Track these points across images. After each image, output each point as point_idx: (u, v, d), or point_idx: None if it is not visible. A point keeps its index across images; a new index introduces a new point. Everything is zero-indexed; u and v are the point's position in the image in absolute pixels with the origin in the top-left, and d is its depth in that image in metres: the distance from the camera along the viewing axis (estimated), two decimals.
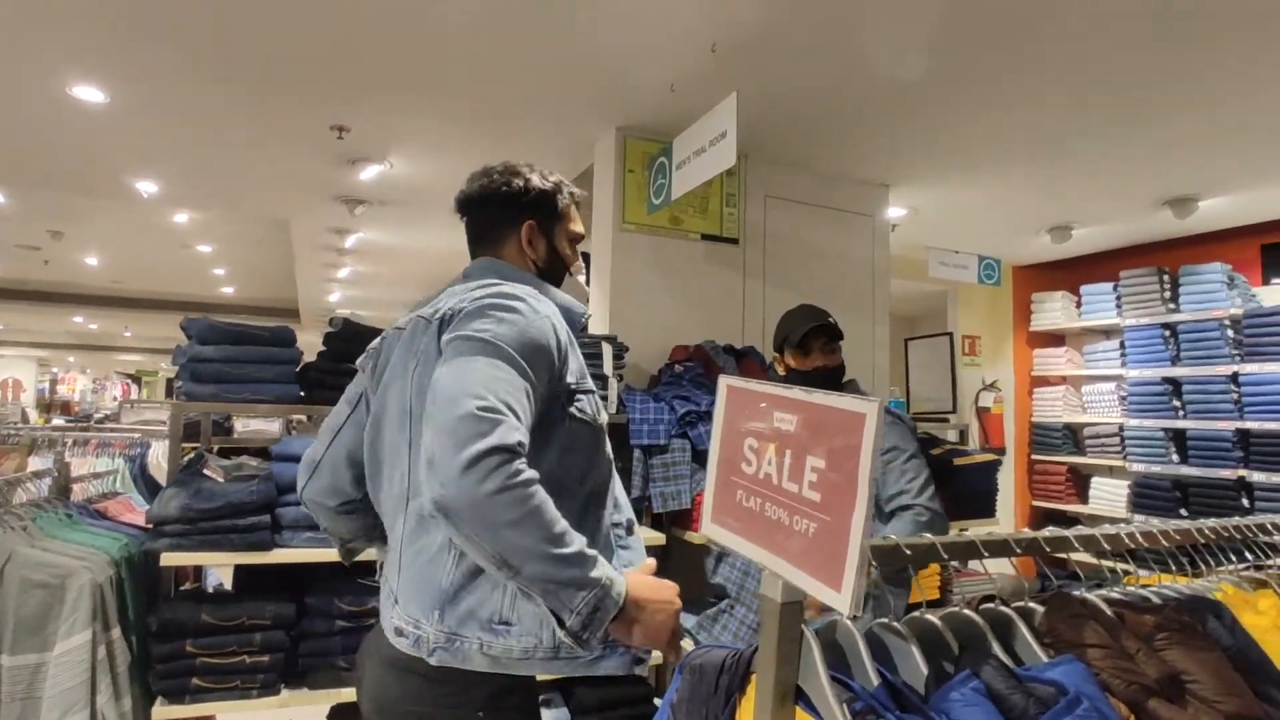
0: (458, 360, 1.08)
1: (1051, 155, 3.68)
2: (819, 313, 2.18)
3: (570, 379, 1.22)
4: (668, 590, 1.14)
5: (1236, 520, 1.16)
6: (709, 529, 0.93)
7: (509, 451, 0.98)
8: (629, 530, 1.33)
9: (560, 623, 1.02)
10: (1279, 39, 2.52)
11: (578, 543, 1.02)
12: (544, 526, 0.99)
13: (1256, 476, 4.36)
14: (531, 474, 1.00)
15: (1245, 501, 4.44)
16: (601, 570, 1.03)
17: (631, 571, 1.16)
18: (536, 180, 1.38)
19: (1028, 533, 0.96)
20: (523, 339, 1.12)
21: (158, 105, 3.31)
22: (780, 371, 2.23)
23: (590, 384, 1.28)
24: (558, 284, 1.41)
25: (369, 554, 1.44)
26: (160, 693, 2.10)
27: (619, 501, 1.33)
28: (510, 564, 0.99)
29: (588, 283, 1.51)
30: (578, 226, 1.44)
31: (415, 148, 3.80)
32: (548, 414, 1.18)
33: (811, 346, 2.12)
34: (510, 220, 1.37)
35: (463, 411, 0.99)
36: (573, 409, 1.22)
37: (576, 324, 1.33)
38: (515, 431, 1.01)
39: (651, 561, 1.25)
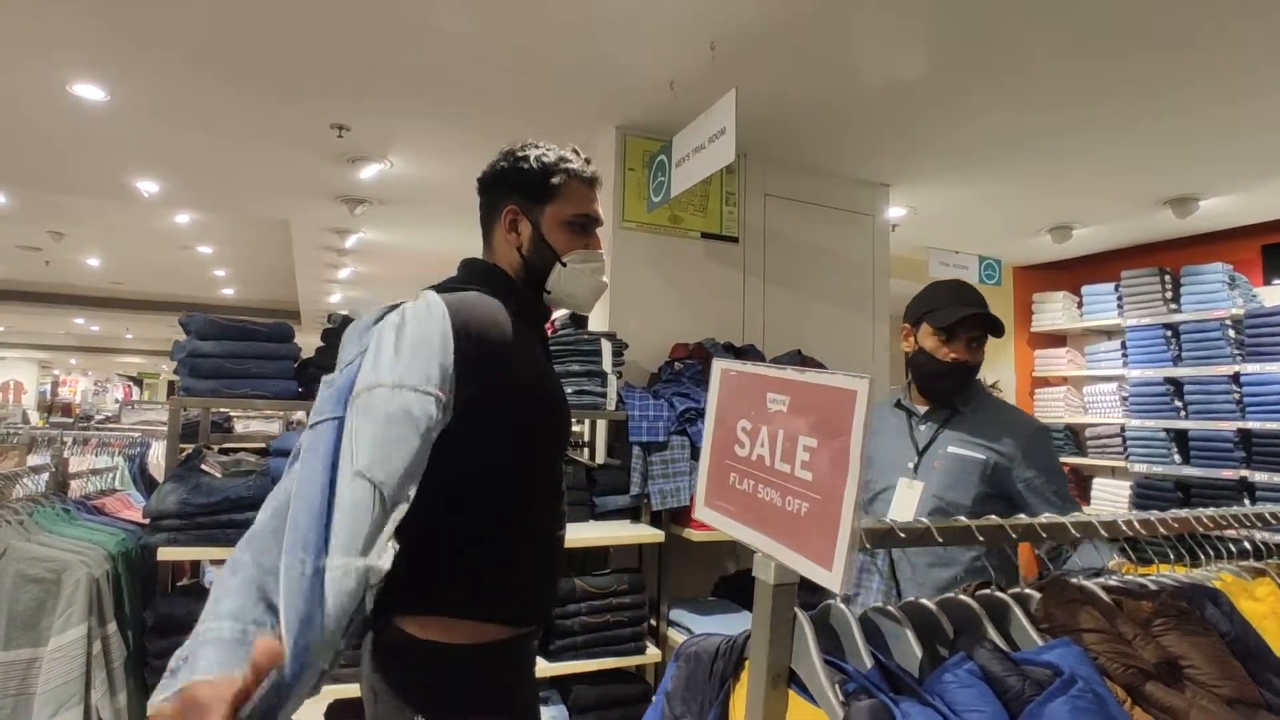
0: None
1: (1051, 155, 3.67)
2: (979, 299, 1.85)
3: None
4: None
5: (1235, 509, 1.15)
6: (702, 513, 0.93)
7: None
8: None
9: None
10: (1277, 36, 2.52)
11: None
12: None
13: (1259, 476, 4.35)
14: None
15: (1248, 502, 4.42)
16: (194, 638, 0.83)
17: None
18: (531, 156, 1.25)
19: (1023, 518, 0.95)
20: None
21: (158, 103, 3.31)
22: (907, 348, 1.92)
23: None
24: (543, 276, 1.27)
25: None
26: (156, 688, 2.09)
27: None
28: None
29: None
30: (584, 208, 1.28)
31: (415, 146, 3.80)
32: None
33: (959, 334, 1.82)
34: (495, 205, 1.28)
35: None
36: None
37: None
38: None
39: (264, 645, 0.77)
